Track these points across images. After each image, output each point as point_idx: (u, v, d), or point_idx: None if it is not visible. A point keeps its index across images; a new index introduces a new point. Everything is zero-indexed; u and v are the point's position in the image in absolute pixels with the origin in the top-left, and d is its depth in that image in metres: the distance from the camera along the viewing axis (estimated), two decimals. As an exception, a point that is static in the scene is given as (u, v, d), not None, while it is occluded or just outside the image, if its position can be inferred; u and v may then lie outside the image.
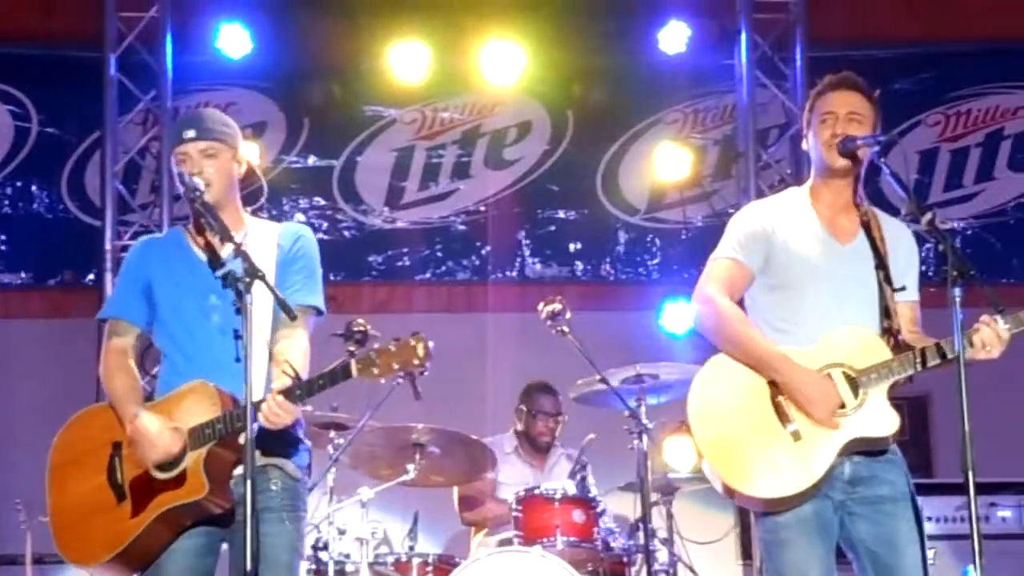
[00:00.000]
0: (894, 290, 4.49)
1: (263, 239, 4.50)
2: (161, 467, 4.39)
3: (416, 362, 4.33)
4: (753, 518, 4.65)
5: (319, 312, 4.69)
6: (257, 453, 4.24)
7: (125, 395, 4.53)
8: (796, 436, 4.37)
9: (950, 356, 4.25)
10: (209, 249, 4.60)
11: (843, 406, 4.37)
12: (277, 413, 4.33)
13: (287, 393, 4.35)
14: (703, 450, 4.50)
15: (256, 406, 4.31)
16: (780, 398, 4.42)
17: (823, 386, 4.38)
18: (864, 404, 4.36)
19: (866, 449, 4.38)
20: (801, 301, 4.51)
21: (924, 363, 4.35)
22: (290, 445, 4.55)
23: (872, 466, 4.41)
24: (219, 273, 4.35)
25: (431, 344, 4.34)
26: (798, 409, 4.39)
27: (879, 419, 4.36)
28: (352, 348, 6.63)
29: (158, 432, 4.38)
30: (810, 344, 4.44)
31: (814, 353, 4.43)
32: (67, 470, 4.58)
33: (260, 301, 4.27)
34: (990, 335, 4.25)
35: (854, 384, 4.37)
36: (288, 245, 4.64)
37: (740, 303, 4.62)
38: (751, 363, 4.48)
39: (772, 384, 4.44)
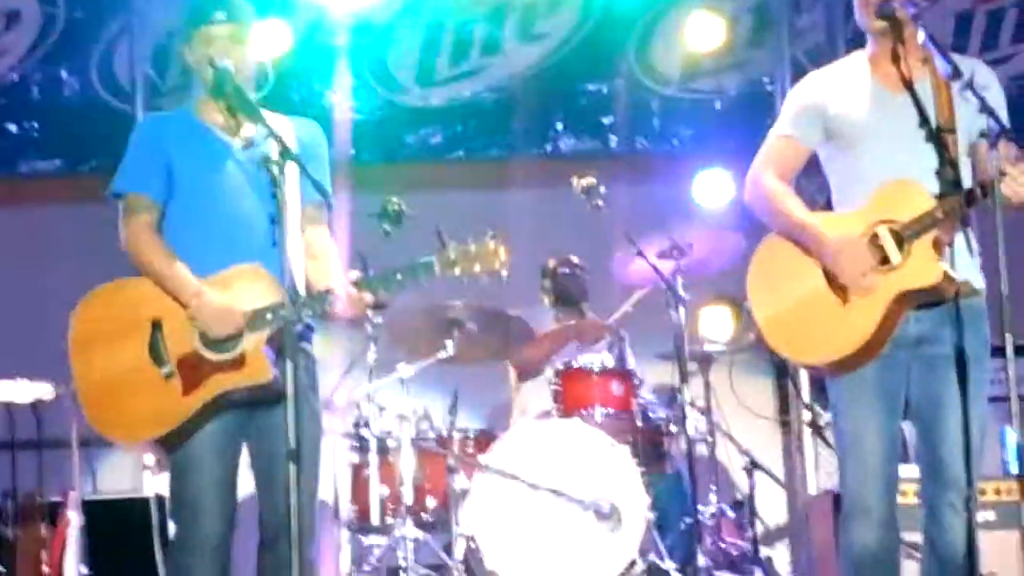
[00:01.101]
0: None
1: (281, 130, 4.47)
2: (214, 347, 4.40)
3: (498, 266, 4.38)
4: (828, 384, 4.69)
5: (330, 207, 4.73)
6: None
7: (180, 270, 4.45)
8: (845, 299, 4.40)
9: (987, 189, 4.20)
10: (233, 129, 4.59)
11: (887, 261, 4.36)
12: (357, 303, 4.37)
13: (363, 284, 4.37)
14: (763, 329, 4.57)
15: (323, 293, 4.36)
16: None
17: (848, 251, 4.38)
18: (909, 256, 4.35)
19: (924, 301, 4.37)
20: (859, 160, 4.54)
21: (969, 202, 4.31)
22: (309, 328, 4.58)
23: (939, 325, 4.40)
24: (249, 154, 4.36)
25: (508, 247, 4.37)
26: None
27: (921, 269, 4.35)
28: (387, 228, 6.64)
29: (227, 307, 4.38)
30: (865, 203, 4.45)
31: (864, 212, 4.45)
32: (96, 344, 4.51)
33: (290, 186, 4.27)
34: (1019, 175, 4.21)
35: (900, 238, 4.37)
36: (307, 140, 4.63)
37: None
38: (788, 236, 4.51)
39: None
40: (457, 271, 4.37)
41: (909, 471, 4.89)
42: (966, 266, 4.43)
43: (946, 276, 4.33)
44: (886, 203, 4.41)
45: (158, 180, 4.57)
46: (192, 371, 4.40)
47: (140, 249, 4.53)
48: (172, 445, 4.44)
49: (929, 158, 4.39)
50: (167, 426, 4.40)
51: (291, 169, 4.20)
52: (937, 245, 4.35)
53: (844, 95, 4.59)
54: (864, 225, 4.43)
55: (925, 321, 4.41)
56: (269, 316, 4.36)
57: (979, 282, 4.48)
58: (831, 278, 4.45)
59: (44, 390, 6.67)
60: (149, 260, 4.51)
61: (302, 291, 4.49)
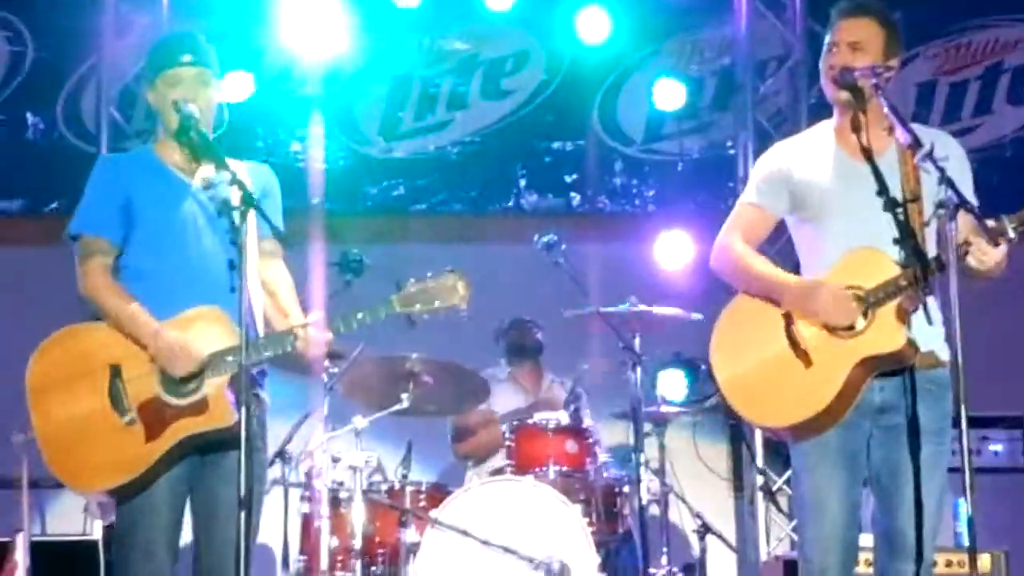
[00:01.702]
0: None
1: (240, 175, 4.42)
2: (176, 392, 4.37)
3: (457, 300, 4.40)
4: (747, 457, 4.71)
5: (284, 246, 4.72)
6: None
7: (137, 311, 4.42)
8: (808, 363, 4.41)
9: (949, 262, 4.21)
10: (192, 170, 4.59)
11: (853, 328, 4.38)
12: (318, 342, 4.37)
13: (325, 322, 4.38)
14: (724, 390, 4.58)
15: (284, 333, 4.36)
16: (793, 326, 4.45)
17: (818, 288, 4.39)
18: (872, 323, 4.37)
19: (886, 369, 4.39)
20: (825, 229, 4.57)
21: (926, 271, 4.31)
22: (262, 374, 4.57)
23: (902, 395, 4.40)
24: (210, 197, 4.36)
25: (468, 282, 4.39)
26: (810, 336, 4.42)
27: (885, 336, 4.36)
28: (348, 278, 6.64)
29: (186, 345, 4.34)
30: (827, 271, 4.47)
31: (830, 278, 4.46)
32: (54, 392, 4.45)
33: (249, 227, 4.26)
34: (982, 245, 4.24)
35: (865, 305, 4.39)
36: (261, 183, 4.63)
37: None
38: (763, 292, 4.54)
39: (786, 316, 4.47)
40: (417, 307, 4.39)
41: (865, 540, 4.89)
42: (929, 336, 4.44)
43: (909, 343, 4.35)
44: (851, 269, 4.43)
45: (115, 222, 4.55)
46: (154, 417, 4.36)
47: (97, 292, 4.50)
48: (129, 491, 4.40)
49: (892, 227, 4.41)
50: (131, 473, 4.36)
51: (250, 214, 4.20)
52: (901, 313, 4.37)
53: (809, 164, 4.61)
54: None
55: (888, 390, 4.42)
56: (230, 359, 4.34)
57: (944, 353, 4.50)
58: (794, 342, 4.45)
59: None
60: (106, 303, 4.48)
61: (261, 331, 4.48)
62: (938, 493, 4.41)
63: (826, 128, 4.71)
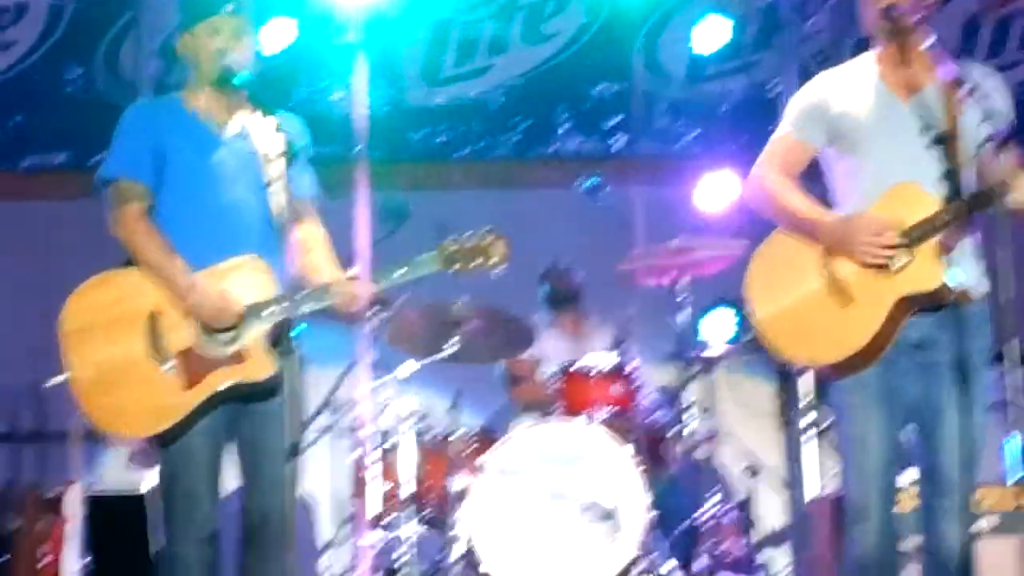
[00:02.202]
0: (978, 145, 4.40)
1: (272, 126, 4.42)
2: (215, 342, 4.39)
3: (496, 261, 4.44)
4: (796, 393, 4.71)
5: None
6: None
7: (176, 262, 4.43)
8: (847, 300, 4.39)
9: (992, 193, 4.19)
10: (225, 120, 4.59)
11: (892, 265, 4.36)
12: (359, 297, 4.41)
13: (365, 280, 4.40)
14: (761, 328, 4.56)
15: (323, 287, 4.38)
16: (831, 263, 4.43)
17: (864, 221, 4.36)
18: (912, 261, 4.34)
19: (925, 305, 4.36)
20: (863, 164, 4.52)
21: (972, 207, 4.29)
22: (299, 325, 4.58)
23: (940, 330, 4.38)
24: (241, 146, 4.37)
25: (507, 243, 4.43)
26: (849, 273, 4.40)
27: (925, 274, 4.34)
28: (391, 225, 6.64)
29: (225, 299, 4.36)
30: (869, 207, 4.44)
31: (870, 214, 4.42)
32: (91, 336, 4.46)
33: (281, 182, 4.26)
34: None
35: (905, 241, 4.36)
36: (294, 135, 4.61)
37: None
38: (797, 229, 4.51)
39: (824, 253, 4.45)
40: (457, 266, 4.41)
41: (912, 476, 4.88)
42: (969, 272, 4.42)
43: (951, 285, 4.33)
44: (892, 205, 4.40)
45: (149, 167, 4.55)
46: (193, 366, 4.39)
47: (135, 238, 4.50)
48: (168, 438, 4.42)
49: (933, 164, 4.36)
50: (168, 421, 4.39)
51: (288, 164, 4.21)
52: (941, 250, 4.34)
53: (849, 97, 4.58)
54: None
55: (924, 326, 4.40)
56: (269, 310, 4.35)
57: (980, 288, 4.47)
58: (833, 279, 4.44)
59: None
60: (144, 250, 4.48)
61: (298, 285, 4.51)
62: (981, 429, 4.40)
63: (868, 60, 4.67)
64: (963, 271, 4.36)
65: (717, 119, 9.28)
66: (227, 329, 4.38)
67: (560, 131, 9.36)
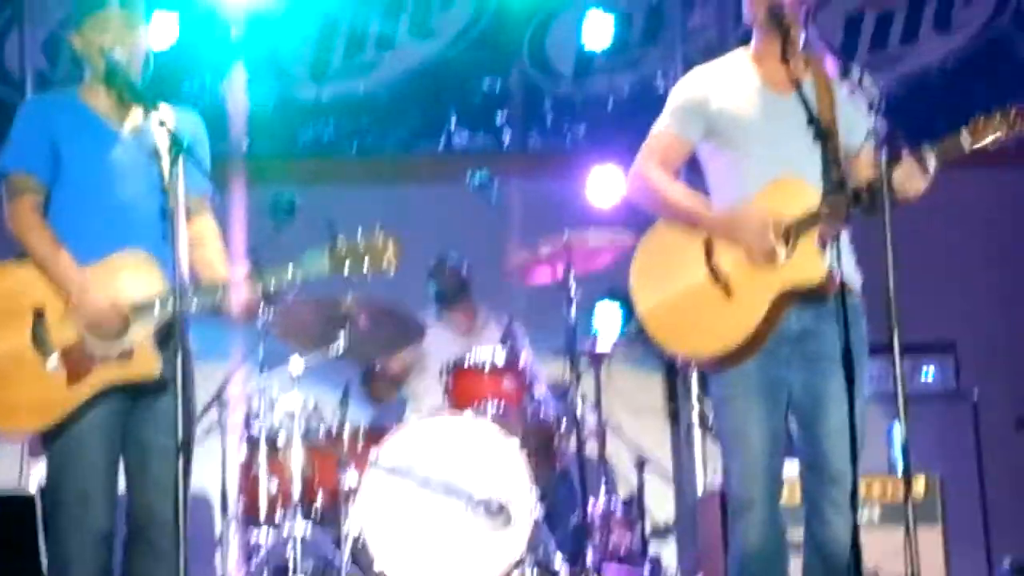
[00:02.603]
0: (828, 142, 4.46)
1: (169, 120, 4.36)
2: (99, 339, 4.33)
3: (386, 264, 4.43)
4: (683, 386, 4.74)
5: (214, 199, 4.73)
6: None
7: (65, 259, 4.38)
8: (728, 293, 4.42)
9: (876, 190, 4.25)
10: (120, 117, 4.55)
11: (774, 257, 4.39)
12: (247, 301, 4.40)
13: (255, 277, 4.37)
14: (644, 320, 4.58)
15: (214, 286, 4.35)
16: (713, 256, 4.46)
17: (749, 214, 4.39)
18: (795, 253, 4.38)
19: (807, 298, 4.41)
20: (742, 159, 4.55)
21: (857, 200, 4.34)
22: (186, 323, 4.53)
23: (820, 321, 4.43)
24: (137, 142, 4.33)
25: (398, 244, 4.44)
26: (731, 266, 4.43)
27: (807, 266, 4.39)
28: (278, 222, 6.61)
29: (111, 305, 4.31)
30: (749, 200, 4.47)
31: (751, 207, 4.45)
32: None
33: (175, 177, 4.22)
34: (908, 169, 4.27)
35: (786, 235, 4.40)
36: (190, 130, 4.57)
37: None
38: (683, 219, 4.53)
39: (706, 245, 4.48)
40: (347, 267, 4.40)
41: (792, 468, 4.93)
42: (846, 264, 4.48)
43: (830, 274, 4.38)
44: (774, 198, 4.45)
45: (44, 161, 4.49)
46: (77, 362, 4.33)
47: (25, 232, 4.45)
48: (55, 435, 4.36)
49: (813, 159, 4.41)
50: (51, 418, 4.33)
51: (179, 160, 4.17)
52: (820, 242, 4.39)
53: (727, 92, 4.61)
54: None
55: (806, 317, 4.45)
56: (157, 308, 4.31)
57: (856, 280, 4.53)
58: (715, 272, 4.46)
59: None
60: (35, 245, 4.43)
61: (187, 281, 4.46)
62: (862, 419, 4.44)
63: (742, 56, 4.71)
64: (840, 263, 4.41)
65: (605, 114, 9.33)
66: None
67: (449, 126, 9.35)
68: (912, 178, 4.29)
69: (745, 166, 4.55)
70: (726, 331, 4.43)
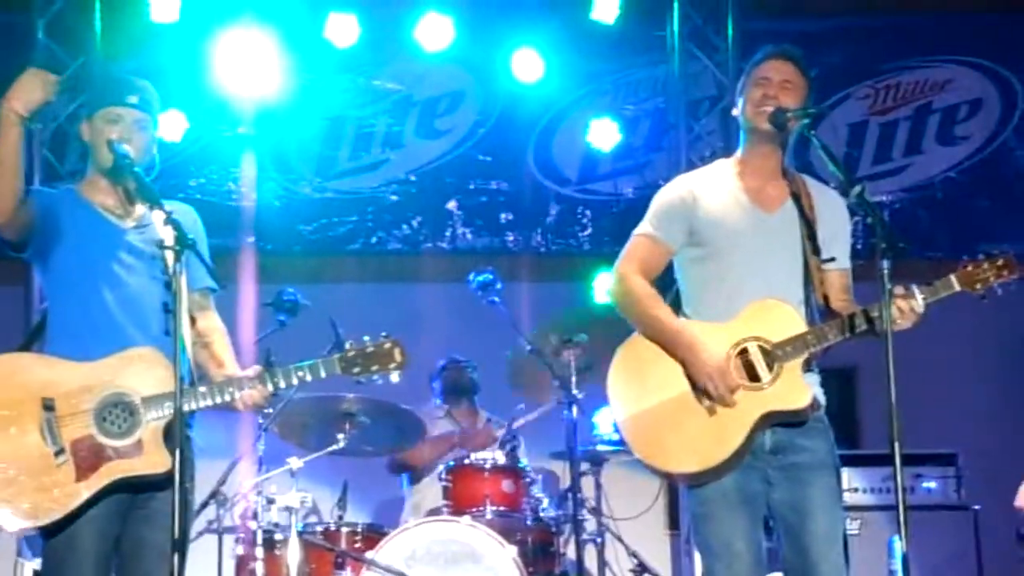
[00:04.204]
0: (822, 261, 4.51)
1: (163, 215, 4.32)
2: (109, 433, 4.32)
3: (393, 366, 4.51)
4: (683, 492, 4.69)
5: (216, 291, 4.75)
6: None
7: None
8: (711, 411, 4.40)
9: (875, 319, 4.27)
10: (124, 212, 4.57)
11: (758, 379, 4.39)
12: (257, 398, 4.42)
13: (265, 377, 4.39)
14: (621, 429, 4.54)
15: (224, 383, 4.36)
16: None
17: (716, 369, 4.38)
18: (779, 378, 4.38)
19: (784, 421, 4.41)
20: (725, 272, 4.52)
21: (852, 329, 4.36)
22: (192, 416, 4.52)
23: (792, 435, 4.44)
24: (141, 237, 4.36)
25: (404, 350, 4.50)
26: None
27: (792, 392, 4.38)
28: (282, 318, 6.62)
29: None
30: (731, 317, 4.46)
31: (733, 327, 4.44)
32: None
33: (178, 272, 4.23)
34: (903, 305, 4.29)
35: (770, 358, 4.40)
36: (188, 224, 4.56)
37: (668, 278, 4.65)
38: (657, 341, 4.50)
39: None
40: (356, 371, 4.48)
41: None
42: (812, 381, 4.48)
43: (813, 400, 4.39)
44: (757, 319, 4.42)
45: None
46: (87, 456, 4.30)
47: None
48: (53, 529, 4.33)
49: (794, 278, 4.45)
50: (58, 511, 4.29)
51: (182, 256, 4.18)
52: (806, 366, 4.41)
53: (713, 202, 4.57)
54: (734, 339, 4.43)
55: (779, 432, 4.43)
56: (168, 404, 4.30)
57: (822, 396, 4.53)
58: (696, 387, 4.43)
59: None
60: None
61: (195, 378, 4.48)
62: (841, 524, 4.44)
63: (728, 168, 4.69)
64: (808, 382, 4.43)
65: (609, 217, 9.37)
66: (125, 420, 4.32)
67: (454, 226, 9.40)
68: (903, 314, 4.30)
69: (726, 279, 4.51)
70: (709, 448, 4.39)
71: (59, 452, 4.29)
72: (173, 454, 4.08)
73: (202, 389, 4.38)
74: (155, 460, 4.30)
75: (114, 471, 4.29)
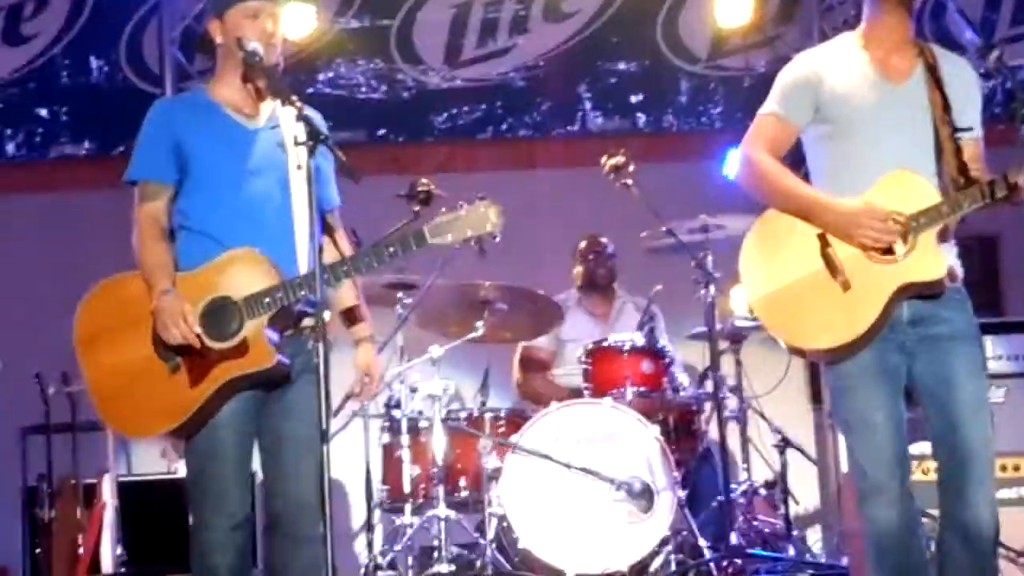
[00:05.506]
0: (956, 129, 4.41)
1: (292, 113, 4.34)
2: (216, 336, 4.39)
3: (489, 227, 4.38)
4: (822, 368, 4.65)
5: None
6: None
7: (157, 268, 4.44)
8: (846, 286, 4.33)
9: (1015, 184, 4.18)
10: (252, 109, 4.59)
11: (892, 252, 4.32)
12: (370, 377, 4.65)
13: (355, 260, 4.41)
14: (755, 309, 4.51)
15: (322, 270, 4.38)
16: (829, 249, 4.37)
17: (863, 211, 4.31)
18: (914, 249, 4.31)
19: (920, 293, 4.34)
20: (854, 147, 4.43)
21: (992, 195, 4.27)
22: (310, 304, 4.48)
23: (931, 306, 4.37)
24: (271, 135, 4.39)
25: (500, 209, 4.38)
26: (847, 258, 4.35)
27: (928, 263, 4.30)
28: (417, 208, 6.66)
29: (181, 312, 4.34)
30: (862, 192, 4.39)
31: (867, 199, 4.38)
32: (101, 342, 4.50)
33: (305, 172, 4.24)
34: None
35: (904, 230, 4.33)
36: (317, 125, 4.56)
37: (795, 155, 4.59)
38: (794, 212, 4.44)
39: (821, 236, 4.40)
40: (449, 237, 4.38)
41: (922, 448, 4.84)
42: (950, 254, 4.41)
43: (949, 271, 4.32)
44: (890, 192, 4.34)
45: (167, 163, 4.53)
46: (197, 362, 4.39)
47: (136, 241, 4.51)
48: (190, 432, 4.45)
49: (926, 150, 4.35)
50: (177, 419, 4.40)
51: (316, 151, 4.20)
52: (941, 238, 4.33)
53: (839, 76, 4.47)
54: None
55: (916, 303, 4.36)
56: (267, 301, 4.36)
57: (959, 268, 4.45)
58: (830, 263, 4.37)
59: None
60: (139, 253, 4.50)
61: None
62: (986, 393, 4.38)
63: (853, 41, 4.57)
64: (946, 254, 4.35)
65: (740, 94, 9.26)
66: (230, 321, 4.38)
67: (583, 109, 9.35)
68: None
69: (858, 155, 4.42)
70: (842, 325, 4.34)
71: (171, 362, 4.39)
72: (301, 350, 4.18)
73: (299, 280, 4.39)
74: (259, 356, 4.37)
75: (223, 373, 4.38)
